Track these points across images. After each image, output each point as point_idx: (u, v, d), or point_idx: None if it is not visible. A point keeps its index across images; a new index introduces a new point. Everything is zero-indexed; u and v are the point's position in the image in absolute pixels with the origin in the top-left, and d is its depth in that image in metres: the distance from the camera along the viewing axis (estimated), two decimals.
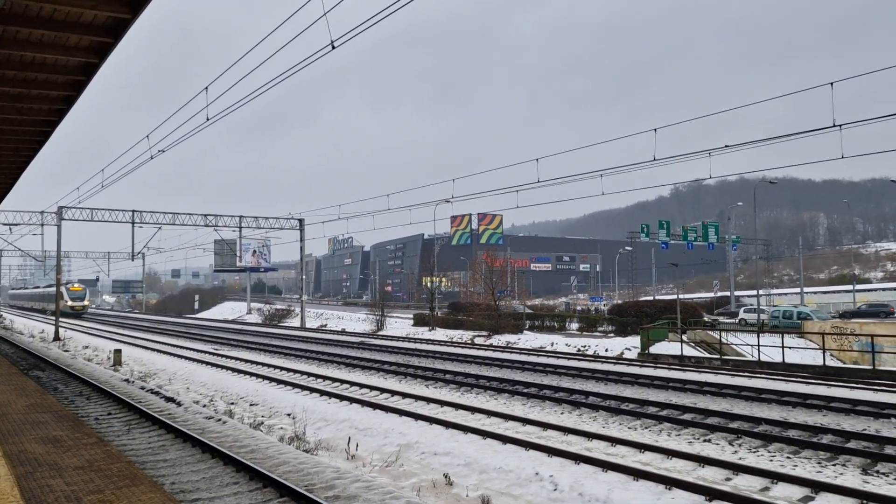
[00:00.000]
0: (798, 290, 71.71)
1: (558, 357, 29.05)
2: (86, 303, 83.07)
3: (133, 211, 47.13)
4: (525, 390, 18.55)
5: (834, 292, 76.29)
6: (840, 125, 18.01)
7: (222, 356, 29.22)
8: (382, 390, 18.59)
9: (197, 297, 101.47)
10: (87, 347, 33.02)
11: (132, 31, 10.16)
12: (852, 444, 12.17)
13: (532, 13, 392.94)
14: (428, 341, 39.18)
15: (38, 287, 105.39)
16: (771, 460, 11.29)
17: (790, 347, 27.30)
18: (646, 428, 13.90)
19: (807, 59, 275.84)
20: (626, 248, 74.52)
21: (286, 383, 20.18)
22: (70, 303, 76.45)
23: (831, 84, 17.61)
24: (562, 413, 15.54)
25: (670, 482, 9.49)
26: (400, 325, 51.61)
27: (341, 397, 17.34)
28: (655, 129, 21.53)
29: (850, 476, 10.28)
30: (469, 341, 38.97)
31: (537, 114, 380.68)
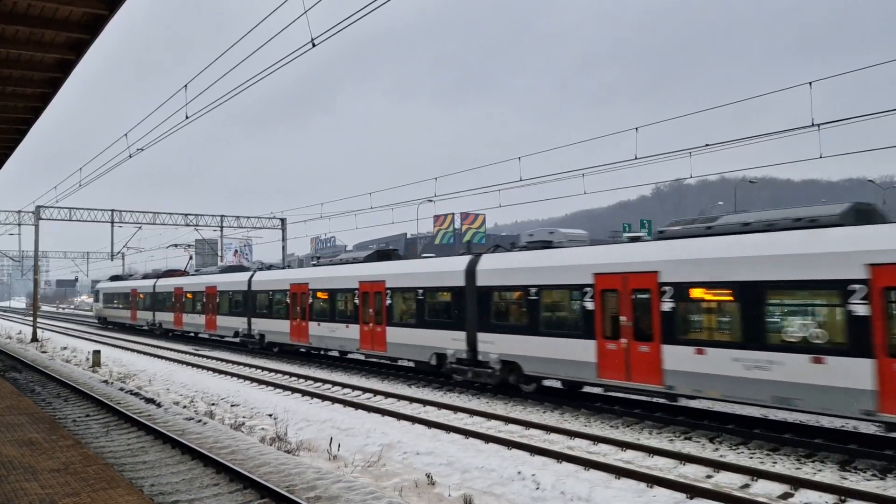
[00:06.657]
0: None
1: None
2: None
3: (112, 210, 46.44)
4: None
5: None
6: (819, 125, 18.16)
7: (203, 356, 28.95)
8: (365, 390, 18.52)
9: None
10: (65, 348, 32.57)
11: (111, 25, 10.02)
12: (831, 441, 12.31)
13: (571, 3, 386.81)
14: None
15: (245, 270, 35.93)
16: (751, 457, 11.39)
17: None
18: (627, 426, 13.97)
19: (853, 52, 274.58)
20: None
21: (268, 383, 20.03)
22: None
23: (810, 84, 17.76)
24: (544, 412, 15.57)
25: (652, 480, 9.54)
26: None
27: (323, 397, 17.26)
28: (637, 128, 21.61)
29: (828, 472, 10.40)
30: None
31: (565, 106, 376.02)
